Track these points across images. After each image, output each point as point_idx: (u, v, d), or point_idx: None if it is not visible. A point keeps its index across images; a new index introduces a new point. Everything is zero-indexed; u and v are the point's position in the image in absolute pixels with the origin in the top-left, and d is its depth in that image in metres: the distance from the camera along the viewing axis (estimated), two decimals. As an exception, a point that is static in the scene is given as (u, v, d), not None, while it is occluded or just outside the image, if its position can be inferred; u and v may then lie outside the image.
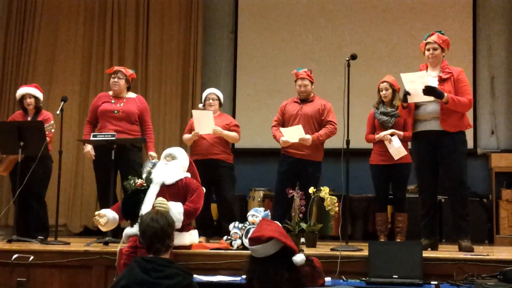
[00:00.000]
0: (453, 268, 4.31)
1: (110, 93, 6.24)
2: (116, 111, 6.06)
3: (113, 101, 6.14)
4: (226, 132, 6.16)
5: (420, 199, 5.39)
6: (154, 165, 5.24)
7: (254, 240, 3.35)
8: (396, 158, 6.02)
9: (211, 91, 6.47)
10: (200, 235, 5.75)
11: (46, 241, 5.66)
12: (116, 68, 6.28)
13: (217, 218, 6.90)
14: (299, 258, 3.27)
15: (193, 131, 6.16)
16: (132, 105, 6.14)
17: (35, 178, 5.88)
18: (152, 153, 6.01)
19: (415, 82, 5.12)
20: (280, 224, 3.61)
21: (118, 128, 5.97)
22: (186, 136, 6.36)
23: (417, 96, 5.14)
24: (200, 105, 6.46)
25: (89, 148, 6.02)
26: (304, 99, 6.19)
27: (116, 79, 6.14)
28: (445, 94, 5.05)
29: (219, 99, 6.43)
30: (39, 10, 8.93)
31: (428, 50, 5.29)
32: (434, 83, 5.19)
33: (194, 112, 6.30)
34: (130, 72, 6.30)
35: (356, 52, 5.39)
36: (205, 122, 6.09)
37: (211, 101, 6.36)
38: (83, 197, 8.47)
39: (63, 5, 8.95)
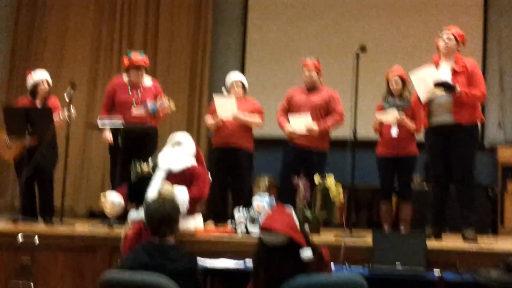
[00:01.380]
0: (456, 257, 4.33)
1: (125, 79, 6.16)
2: (134, 104, 6.00)
3: (130, 92, 6.07)
4: (247, 118, 6.10)
5: (432, 189, 5.42)
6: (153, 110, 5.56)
7: (264, 229, 3.36)
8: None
9: (237, 78, 6.42)
10: (209, 218, 5.78)
11: (51, 222, 5.70)
12: (136, 63, 6.06)
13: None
14: (306, 252, 3.28)
15: (216, 119, 6.11)
16: (149, 94, 6.08)
17: (44, 161, 5.93)
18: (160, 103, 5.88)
19: (425, 78, 5.12)
20: (293, 212, 3.60)
21: (137, 119, 5.95)
22: (209, 120, 6.29)
23: (429, 92, 5.14)
24: (223, 89, 6.38)
25: (107, 133, 5.99)
26: (311, 89, 6.19)
27: (139, 73, 6.05)
28: (457, 87, 5.04)
29: (243, 85, 6.38)
30: (49, 0, 8.96)
31: (444, 40, 5.28)
32: (447, 74, 5.19)
33: (216, 98, 6.19)
34: (147, 61, 6.21)
35: (365, 43, 5.33)
36: (229, 108, 6.04)
37: (235, 88, 6.32)
38: (89, 180, 8.52)
39: (73, -5, 8.99)
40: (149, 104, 5.85)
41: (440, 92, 5.12)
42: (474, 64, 5.30)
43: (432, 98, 5.21)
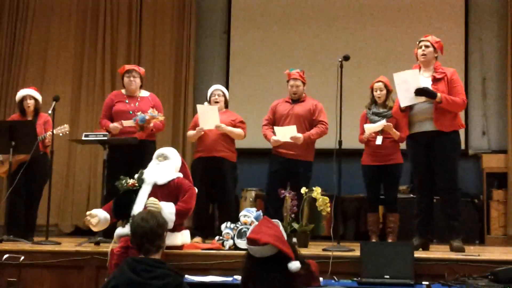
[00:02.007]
0: (445, 268, 4.33)
1: (123, 91, 6.21)
2: (131, 111, 6.02)
3: (127, 100, 6.11)
4: (229, 128, 6.04)
5: (417, 199, 5.44)
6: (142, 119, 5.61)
7: (251, 241, 3.35)
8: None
9: (217, 87, 6.37)
10: (196, 235, 5.74)
11: (32, 240, 5.66)
12: (128, 67, 6.22)
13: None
14: (294, 265, 3.27)
15: (198, 127, 6.08)
16: (146, 104, 6.10)
17: (35, 179, 5.89)
18: (151, 114, 5.92)
19: (408, 81, 5.14)
20: (280, 225, 3.59)
21: (133, 128, 5.93)
22: (190, 132, 6.23)
23: (409, 98, 5.15)
24: (206, 103, 6.35)
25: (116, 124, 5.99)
26: (296, 99, 6.19)
27: (132, 78, 6.12)
28: (438, 94, 5.07)
29: (224, 95, 6.34)
30: (31, 11, 8.92)
31: (421, 47, 5.32)
32: (428, 83, 5.21)
33: (198, 107, 6.14)
34: (142, 70, 6.30)
35: (348, 53, 5.39)
36: (211, 118, 5.98)
37: (216, 97, 6.25)
38: (74, 197, 8.45)
39: (55, 6, 8.93)
40: (139, 114, 5.85)
41: (421, 99, 5.14)
42: (454, 72, 5.33)
43: (412, 103, 5.24)
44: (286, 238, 3.44)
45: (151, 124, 5.90)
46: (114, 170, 5.60)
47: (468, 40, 8.40)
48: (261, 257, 3.31)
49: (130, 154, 5.86)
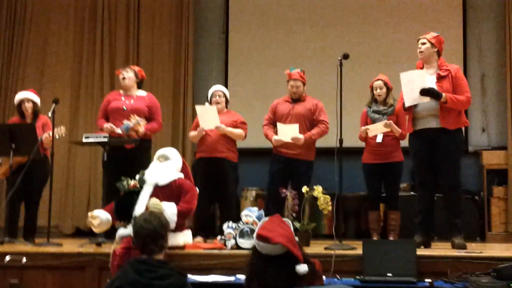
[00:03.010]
0: (447, 265, 4.34)
1: (121, 91, 6.26)
2: (125, 108, 6.04)
3: (123, 98, 6.15)
4: (229, 129, 6.05)
5: (418, 196, 5.45)
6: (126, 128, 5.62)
7: (261, 238, 3.34)
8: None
9: (217, 88, 6.38)
10: (198, 235, 5.75)
11: (33, 242, 5.66)
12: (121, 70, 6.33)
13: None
14: (302, 268, 3.27)
15: (199, 127, 6.08)
16: (141, 103, 6.14)
17: (34, 181, 5.90)
18: (134, 121, 5.93)
19: (414, 81, 5.18)
20: (291, 226, 3.57)
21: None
22: (192, 133, 6.24)
23: (414, 97, 5.18)
24: (206, 103, 6.35)
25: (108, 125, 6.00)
26: (296, 99, 6.18)
27: (124, 72, 6.18)
28: (443, 94, 5.08)
29: (225, 95, 6.34)
30: (28, 14, 8.89)
31: (418, 46, 5.36)
32: (432, 81, 5.23)
33: (197, 107, 6.15)
34: (137, 68, 6.32)
35: (348, 51, 5.39)
36: (210, 118, 5.99)
37: (217, 97, 6.25)
38: (75, 198, 8.43)
39: (53, 8, 8.91)
40: (124, 123, 5.86)
41: (426, 99, 5.16)
42: (458, 69, 5.36)
43: (418, 102, 5.25)
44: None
45: (141, 129, 5.90)
46: (110, 170, 5.64)
47: (466, 37, 8.39)
48: (268, 254, 3.32)
49: (127, 153, 5.88)
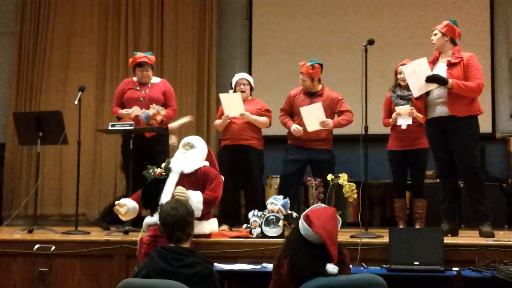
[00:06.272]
0: (475, 254, 4.31)
1: (135, 79, 6.23)
2: (141, 99, 6.04)
3: (138, 87, 6.12)
4: (254, 116, 6.06)
5: (440, 184, 5.42)
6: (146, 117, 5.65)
7: (307, 219, 3.36)
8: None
9: (242, 76, 6.38)
10: (223, 223, 5.77)
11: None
12: (138, 59, 6.11)
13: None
14: (331, 269, 3.26)
15: (223, 115, 6.10)
16: (156, 91, 6.12)
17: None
18: (154, 111, 5.91)
19: (417, 70, 5.19)
20: (340, 224, 3.55)
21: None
22: (218, 121, 6.26)
23: (420, 86, 5.18)
24: (230, 91, 6.36)
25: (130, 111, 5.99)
26: (313, 92, 6.17)
27: (144, 72, 6.10)
28: (449, 80, 5.05)
29: (250, 83, 6.33)
30: (53, 6, 8.94)
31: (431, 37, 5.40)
32: (443, 68, 5.22)
33: (221, 95, 6.18)
34: (152, 58, 6.25)
35: (372, 37, 5.37)
36: (235, 105, 6.00)
37: (242, 86, 6.24)
38: (101, 186, 8.51)
39: (77, -1, 8.99)
40: (143, 112, 5.86)
41: (433, 86, 5.15)
42: (471, 56, 5.30)
43: (426, 90, 5.23)
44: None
45: (159, 118, 5.92)
46: (136, 158, 5.65)
47: (493, 21, 8.25)
48: (306, 238, 3.33)
49: (146, 141, 5.89)
